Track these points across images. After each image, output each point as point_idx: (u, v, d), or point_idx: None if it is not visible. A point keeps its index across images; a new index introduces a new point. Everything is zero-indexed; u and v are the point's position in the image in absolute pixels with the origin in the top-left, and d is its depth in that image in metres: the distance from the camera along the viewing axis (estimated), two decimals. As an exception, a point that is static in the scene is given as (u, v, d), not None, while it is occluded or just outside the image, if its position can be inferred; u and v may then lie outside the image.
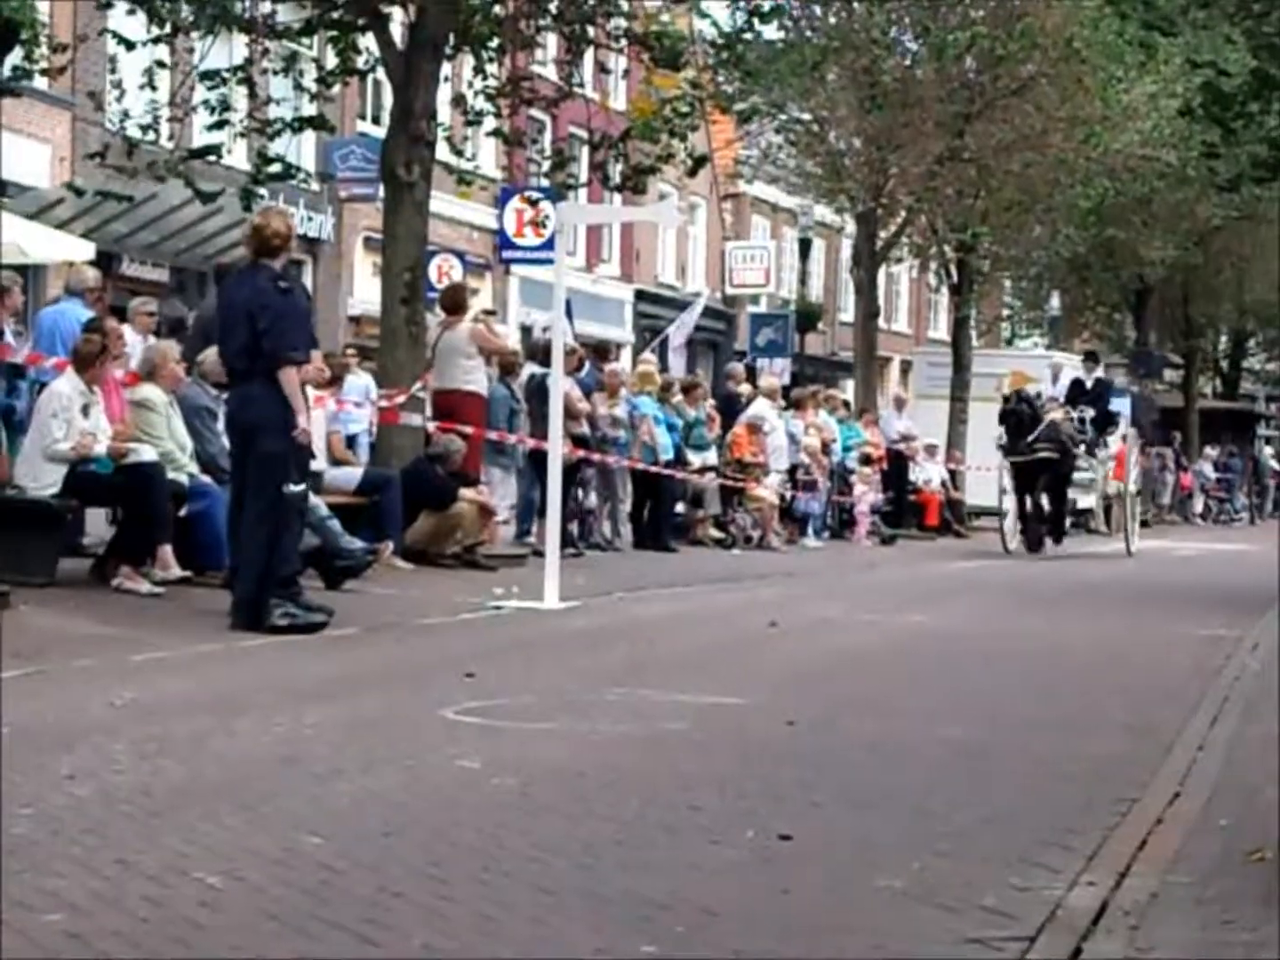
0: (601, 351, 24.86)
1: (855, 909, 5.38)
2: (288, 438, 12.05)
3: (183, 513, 13.86)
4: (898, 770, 7.85)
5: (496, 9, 20.16)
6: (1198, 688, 11.16)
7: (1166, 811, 7.02)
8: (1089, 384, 30.03)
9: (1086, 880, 5.79)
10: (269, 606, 11.98)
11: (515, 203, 35.52)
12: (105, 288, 16.48)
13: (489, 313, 21.64)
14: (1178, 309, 55.92)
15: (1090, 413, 29.34)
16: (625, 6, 21.12)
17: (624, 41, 20.94)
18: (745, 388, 28.80)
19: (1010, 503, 28.12)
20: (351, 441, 19.54)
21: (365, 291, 33.16)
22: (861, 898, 5.51)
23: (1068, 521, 30.78)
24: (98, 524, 14.56)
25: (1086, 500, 32.33)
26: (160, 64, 19.57)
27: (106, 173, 20.50)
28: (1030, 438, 27.10)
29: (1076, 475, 29.60)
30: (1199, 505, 53.14)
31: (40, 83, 23.73)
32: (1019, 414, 27.34)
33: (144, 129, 19.56)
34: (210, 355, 14.27)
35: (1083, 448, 29.32)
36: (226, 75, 19.80)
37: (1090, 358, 33.03)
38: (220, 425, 14.58)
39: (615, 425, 22.25)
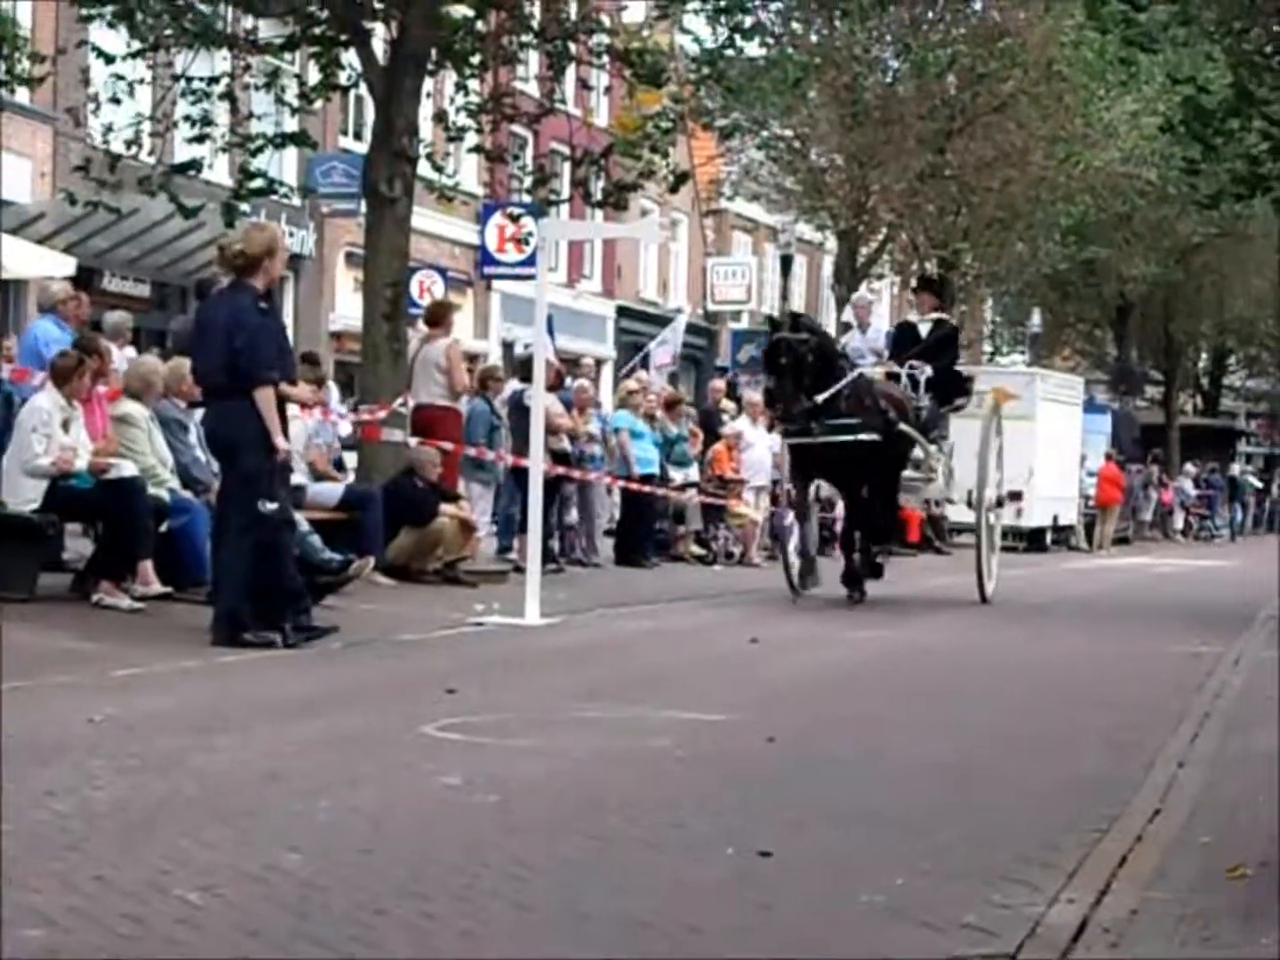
0: (569, 365, 24.85)
1: (836, 926, 5.38)
2: (266, 455, 12.04)
3: (164, 528, 13.84)
4: (879, 787, 7.85)
5: (478, 25, 20.18)
6: (1179, 704, 11.17)
7: (1147, 829, 7.03)
8: (924, 329, 20.00)
9: (1067, 897, 5.79)
10: (280, 619, 12.03)
11: (497, 219, 35.59)
12: (80, 301, 16.41)
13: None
14: (1158, 326, 56.12)
15: (927, 371, 19.26)
16: (607, 23, 21.17)
17: (605, 58, 20.98)
18: (727, 404, 28.81)
19: (793, 513, 18.90)
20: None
21: (347, 307, 33.14)
22: (843, 915, 5.51)
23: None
24: (76, 539, 14.55)
25: (951, 509, 21.84)
26: (133, 82, 19.52)
27: (92, 186, 20.50)
28: (821, 397, 17.23)
29: (908, 472, 19.32)
30: (1179, 522, 53.23)
31: (22, 97, 23.74)
32: (795, 351, 17.12)
33: (127, 144, 19.56)
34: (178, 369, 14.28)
35: (918, 425, 19.13)
36: (208, 90, 19.81)
37: (926, 286, 22.04)
38: (192, 438, 14.62)
39: (589, 441, 22.25)
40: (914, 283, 26.35)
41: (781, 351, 17.29)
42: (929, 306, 20.62)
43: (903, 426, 18.33)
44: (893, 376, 19.21)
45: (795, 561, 18.88)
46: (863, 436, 17.48)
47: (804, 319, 18.45)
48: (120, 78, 19.20)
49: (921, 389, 19.30)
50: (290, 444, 12.49)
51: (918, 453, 19.18)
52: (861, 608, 18.42)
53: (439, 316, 19.54)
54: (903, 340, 19.89)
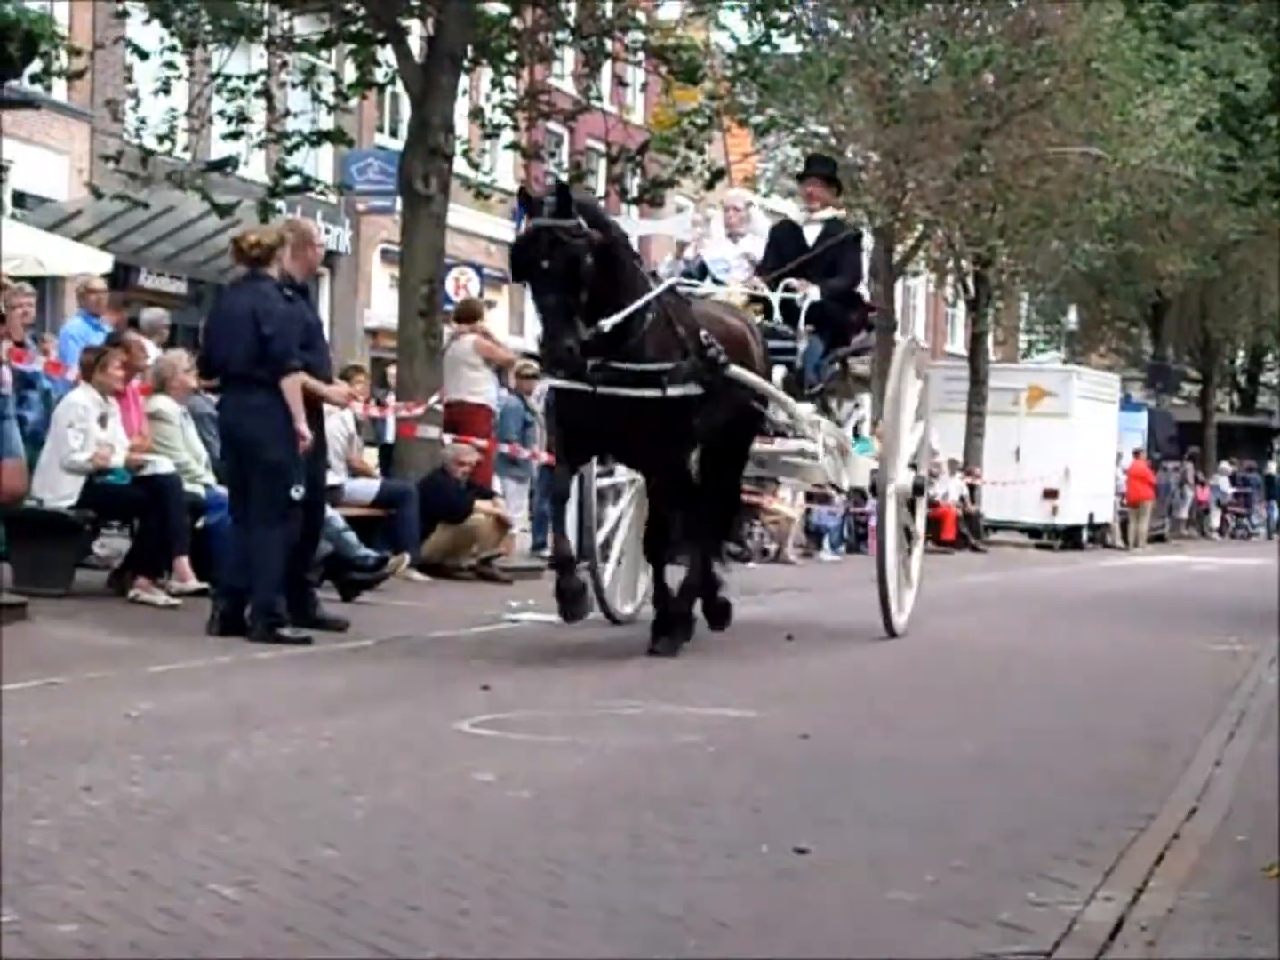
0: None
1: (870, 923, 5.37)
2: (291, 446, 12.02)
3: (199, 524, 13.87)
4: (913, 784, 7.83)
5: (515, 22, 20.22)
6: (1214, 702, 11.13)
7: (1183, 827, 7.00)
8: (810, 234, 13.98)
9: (1103, 895, 5.77)
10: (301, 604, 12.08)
11: (533, 215, 35.49)
12: (122, 298, 16.46)
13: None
14: (1195, 323, 55.89)
15: (811, 295, 13.40)
16: (643, 20, 21.18)
17: (641, 55, 20.99)
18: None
19: (571, 507, 13.11)
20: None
21: (382, 304, 33.19)
22: (877, 912, 5.50)
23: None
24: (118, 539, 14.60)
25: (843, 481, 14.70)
26: (173, 75, 19.57)
27: (123, 179, 20.57)
28: (608, 323, 10.93)
29: (780, 446, 13.54)
30: (1216, 520, 53.07)
31: (59, 95, 23.80)
32: (566, 250, 10.67)
33: (160, 139, 19.63)
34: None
35: (795, 378, 13.39)
36: (244, 87, 19.87)
37: (815, 169, 15.09)
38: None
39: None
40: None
41: (541, 248, 10.79)
42: (819, 200, 14.27)
43: (734, 370, 11.94)
44: (758, 301, 13.57)
45: (606, 567, 14.06)
46: (672, 391, 11.33)
47: (578, 196, 11.48)
48: (171, 66, 19.28)
49: (801, 322, 13.48)
50: (311, 437, 12.33)
51: (782, 416, 13.19)
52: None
53: (471, 313, 19.58)
54: (781, 248, 13.91)
